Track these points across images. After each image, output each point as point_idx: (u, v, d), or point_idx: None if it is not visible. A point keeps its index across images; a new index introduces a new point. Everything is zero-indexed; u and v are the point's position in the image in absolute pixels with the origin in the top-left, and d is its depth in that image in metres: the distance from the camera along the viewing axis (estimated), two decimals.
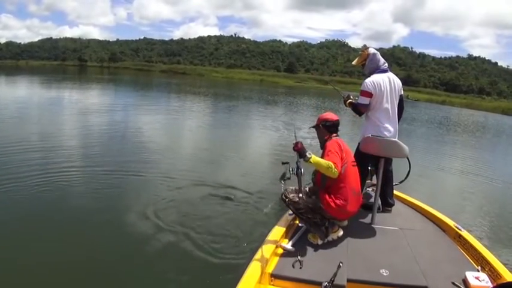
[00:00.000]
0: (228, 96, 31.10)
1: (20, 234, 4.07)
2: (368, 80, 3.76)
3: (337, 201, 3.15)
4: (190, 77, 77.29)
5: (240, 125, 14.89)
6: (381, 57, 3.87)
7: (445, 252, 3.19)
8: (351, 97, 4.04)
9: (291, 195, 3.24)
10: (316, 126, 3.50)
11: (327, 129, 3.41)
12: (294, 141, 3.09)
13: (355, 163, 3.36)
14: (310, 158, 3.01)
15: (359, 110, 3.85)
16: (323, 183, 3.25)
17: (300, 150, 3.04)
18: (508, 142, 20.05)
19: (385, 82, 3.77)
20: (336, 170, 3.00)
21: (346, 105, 4.03)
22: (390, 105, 3.83)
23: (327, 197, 3.18)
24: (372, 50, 3.86)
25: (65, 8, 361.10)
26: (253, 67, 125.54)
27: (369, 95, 3.73)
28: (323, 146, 3.39)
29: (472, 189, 7.92)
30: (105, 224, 4.45)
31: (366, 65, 3.89)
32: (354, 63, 4.01)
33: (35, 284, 3.26)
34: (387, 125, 3.82)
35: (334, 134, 3.40)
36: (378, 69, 3.83)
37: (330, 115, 3.48)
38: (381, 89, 3.74)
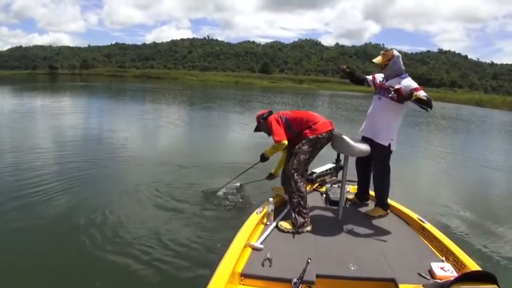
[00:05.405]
0: (204, 99, 30.94)
1: None
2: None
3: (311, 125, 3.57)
4: (165, 81, 76.39)
5: (215, 127, 14.73)
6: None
7: (410, 244, 3.24)
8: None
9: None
10: (258, 125, 4.08)
11: (266, 120, 3.86)
12: (259, 160, 4.13)
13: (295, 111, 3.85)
14: (265, 153, 3.95)
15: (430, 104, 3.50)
16: (292, 134, 3.66)
17: (262, 158, 4.07)
18: (481, 132, 20.53)
19: None
20: (280, 142, 3.57)
21: (410, 100, 3.45)
22: None
23: (304, 128, 3.60)
24: (396, 53, 3.68)
25: (34, 15, 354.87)
26: (227, 69, 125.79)
27: None
28: (270, 132, 3.78)
29: (438, 179, 8.06)
30: (69, 226, 4.30)
31: (389, 65, 3.67)
32: (375, 61, 3.75)
33: None
34: None
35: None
36: (403, 74, 3.67)
37: (261, 111, 4.07)
38: None
